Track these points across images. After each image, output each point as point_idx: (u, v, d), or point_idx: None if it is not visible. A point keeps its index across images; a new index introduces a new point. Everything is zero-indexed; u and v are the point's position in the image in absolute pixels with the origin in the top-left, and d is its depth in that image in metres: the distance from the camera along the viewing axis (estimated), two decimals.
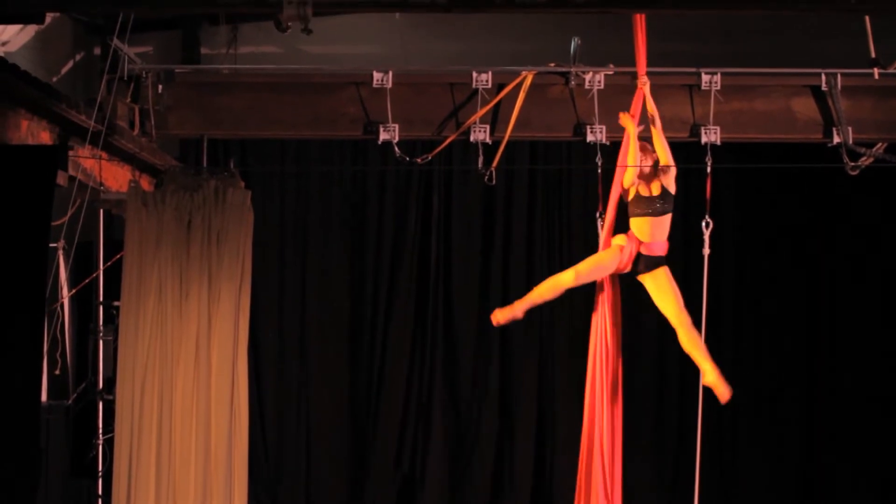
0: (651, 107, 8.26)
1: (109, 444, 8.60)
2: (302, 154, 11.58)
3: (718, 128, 8.78)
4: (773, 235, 11.70)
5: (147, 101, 8.78)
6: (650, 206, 8.20)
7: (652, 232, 8.21)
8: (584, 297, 11.28)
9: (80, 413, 9.91)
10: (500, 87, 8.78)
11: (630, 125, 8.23)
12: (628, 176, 8.21)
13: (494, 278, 11.71)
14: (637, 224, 8.24)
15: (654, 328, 11.40)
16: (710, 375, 8.15)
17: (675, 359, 11.56)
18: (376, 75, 8.76)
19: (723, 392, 8.16)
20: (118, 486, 7.95)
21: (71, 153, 7.74)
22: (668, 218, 8.25)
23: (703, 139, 8.77)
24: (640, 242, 8.22)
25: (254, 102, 8.94)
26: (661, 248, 8.25)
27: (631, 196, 8.27)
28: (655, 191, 8.20)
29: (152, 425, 7.92)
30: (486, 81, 8.76)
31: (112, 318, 9.67)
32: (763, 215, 11.70)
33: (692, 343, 8.16)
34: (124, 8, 7.64)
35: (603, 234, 8.31)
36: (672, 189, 8.22)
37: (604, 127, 8.69)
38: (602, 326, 8.36)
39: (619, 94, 8.57)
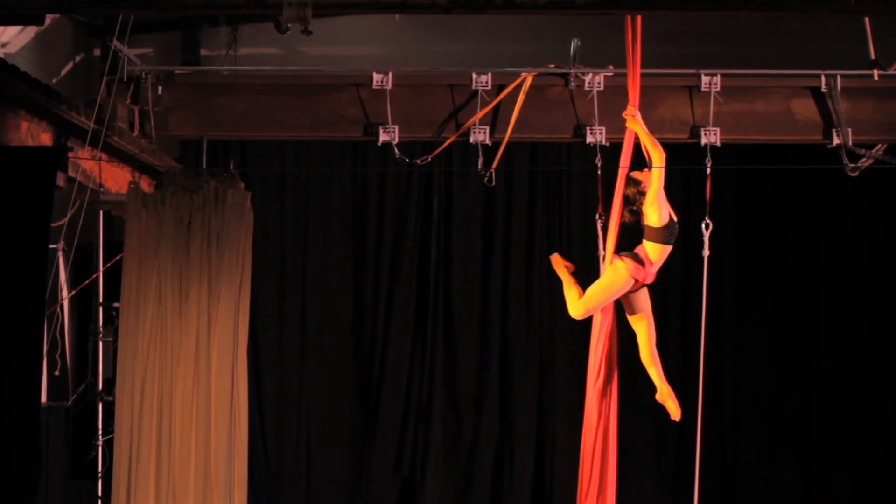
0: (647, 142, 8.05)
1: (109, 445, 8.60)
2: (302, 155, 11.58)
3: (718, 129, 8.78)
4: (773, 236, 11.71)
5: (147, 103, 8.78)
6: (658, 235, 8.10)
7: (659, 258, 8.13)
8: None
9: (79, 414, 9.89)
10: (500, 88, 8.78)
11: (636, 125, 8.09)
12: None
13: (494, 280, 11.72)
14: (650, 247, 8.13)
15: (655, 325, 11.41)
16: (661, 394, 8.25)
17: (675, 359, 11.57)
18: (376, 76, 8.77)
19: (673, 410, 8.21)
20: (118, 487, 7.95)
21: (70, 154, 7.74)
22: (670, 249, 8.17)
23: (703, 140, 8.77)
24: (652, 263, 8.09)
25: (254, 104, 8.94)
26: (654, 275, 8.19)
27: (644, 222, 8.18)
28: (653, 221, 8.07)
29: (152, 426, 7.92)
30: (486, 83, 8.76)
31: (112, 320, 9.66)
32: (763, 216, 11.70)
33: (653, 360, 8.19)
34: (124, 9, 7.63)
35: (609, 244, 8.18)
36: (656, 221, 8.05)
37: (603, 128, 8.69)
38: (603, 327, 8.31)
39: (619, 96, 8.55)
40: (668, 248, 8.09)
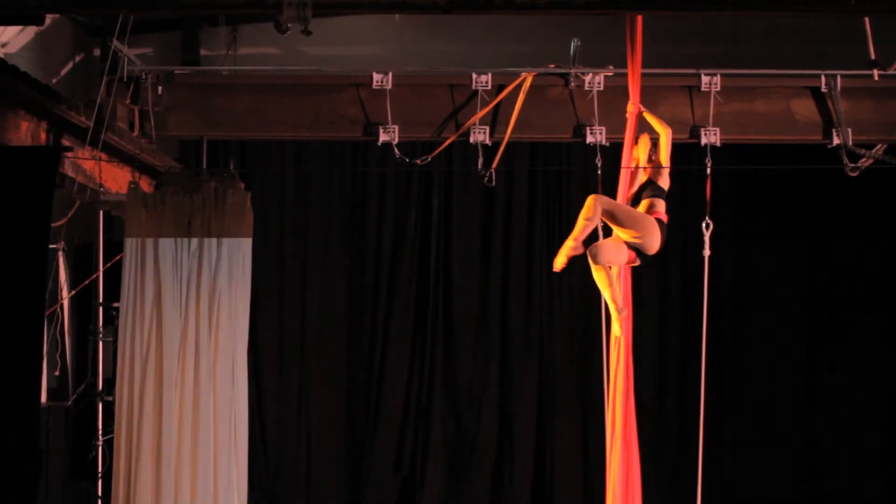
0: (657, 125, 8.22)
1: (109, 445, 8.59)
2: (302, 155, 11.59)
3: (718, 129, 8.78)
4: (773, 236, 11.71)
5: (147, 103, 8.77)
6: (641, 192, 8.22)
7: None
8: (584, 298, 11.35)
9: (79, 414, 9.89)
10: (500, 88, 8.78)
11: (631, 119, 8.19)
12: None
13: (494, 280, 11.72)
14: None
15: (655, 325, 11.43)
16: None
17: (676, 356, 11.58)
18: (376, 76, 8.77)
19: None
20: (118, 487, 7.95)
21: (70, 154, 7.74)
22: (658, 201, 8.23)
23: (703, 140, 8.77)
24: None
25: (254, 104, 8.94)
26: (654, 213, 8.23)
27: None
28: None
29: (152, 426, 7.91)
30: (486, 83, 8.76)
31: (112, 320, 9.65)
32: (763, 216, 11.70)
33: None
34: (124, 9, 7.63)
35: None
36: (664, 184, 8.20)
37: (603, 128, 8.69)
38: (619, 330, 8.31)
39: (620, 96, 8.56)
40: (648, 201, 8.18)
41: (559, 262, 7.94)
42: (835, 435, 11.55)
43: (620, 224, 7.91)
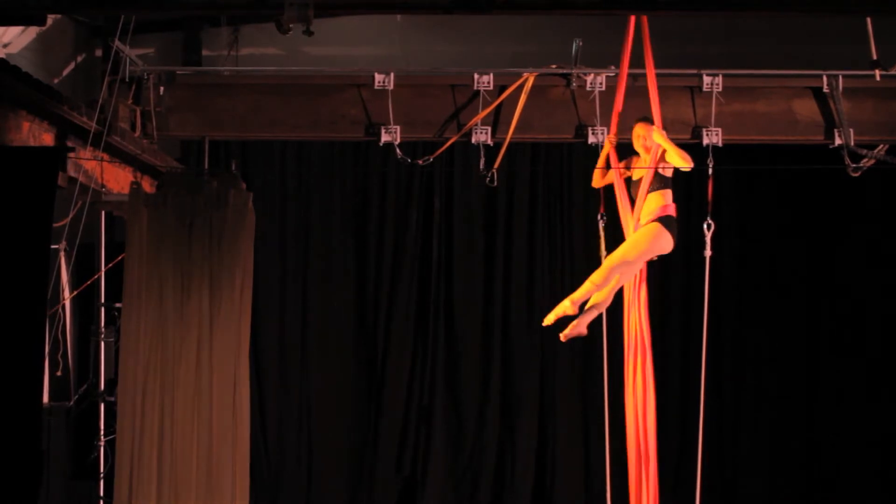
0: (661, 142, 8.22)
1: (111, 445, 8.61)
2: (303, 156, 11.59)
3: (720, 129, 8.78)
4: (775, 237, 11.70)
5: (148, 103, 8.78)
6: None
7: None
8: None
9: (81, 414, 9.91)
10: (502, 88, 8.78)
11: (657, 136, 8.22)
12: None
13: (496, 280, 11.71)
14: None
15: (655, 325, 11.41)
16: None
17: (677, 357, 11.57)
18: (378, 77, 8.77)
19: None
20: (120, 487, 7.95)
21: (72, 155, 7.74)
22: (667, 192, 8.27)
23: (705, 141, 8.77)
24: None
25: (255, 104, 8.94)
26: (661, 210, 8.25)
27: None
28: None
29: (154, 426, 7.92)
30: (488, 83, 8.76)
31: (113, 320, 9.67)
32: (764, 217, 11.70)
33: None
34: (125, 9, 7.64)
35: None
36: (668, 172, 8.25)
37: (605, 129, 8.68)
38: (636, 318, 8.35)
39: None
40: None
41: (549, 320, 8.26)
42: (836, 436, 11.55)
43: (637, 260, 8.02)
